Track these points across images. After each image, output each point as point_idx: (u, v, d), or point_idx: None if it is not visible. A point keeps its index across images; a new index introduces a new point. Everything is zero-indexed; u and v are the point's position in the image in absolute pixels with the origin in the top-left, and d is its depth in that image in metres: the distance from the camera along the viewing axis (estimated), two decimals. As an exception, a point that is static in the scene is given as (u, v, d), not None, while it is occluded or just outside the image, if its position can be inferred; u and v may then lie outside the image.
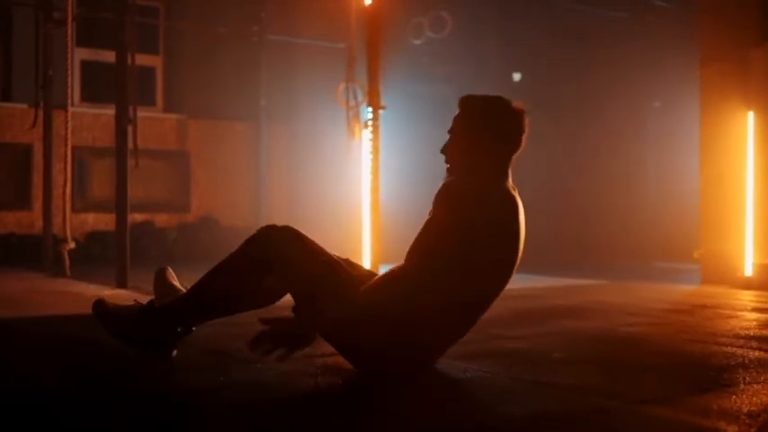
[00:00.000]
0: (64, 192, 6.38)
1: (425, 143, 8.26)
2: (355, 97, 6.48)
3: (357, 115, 6.45)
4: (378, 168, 6.23)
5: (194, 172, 9.61)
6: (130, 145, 5.49)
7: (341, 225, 8.29)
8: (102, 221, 9.08)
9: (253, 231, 7.37)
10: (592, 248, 7.89)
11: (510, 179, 2.32)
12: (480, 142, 2.27)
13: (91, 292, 5.04)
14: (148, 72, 9.54)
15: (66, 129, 6.34)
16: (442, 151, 2.34)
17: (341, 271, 2.35)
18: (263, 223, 8.11)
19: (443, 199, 2.17)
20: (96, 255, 8.52)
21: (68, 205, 6.43)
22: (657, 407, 1.97)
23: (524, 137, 2.30)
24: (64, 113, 7.26)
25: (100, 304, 2.53)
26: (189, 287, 2.69)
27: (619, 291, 5.09)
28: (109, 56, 9.27)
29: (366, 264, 6.36)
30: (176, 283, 2.74)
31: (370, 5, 6.33)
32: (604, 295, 4.77)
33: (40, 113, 7.07)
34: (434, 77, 8.36)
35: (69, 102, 6.40)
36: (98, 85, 9.10)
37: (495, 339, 2.89)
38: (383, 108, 6.28)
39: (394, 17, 7.00)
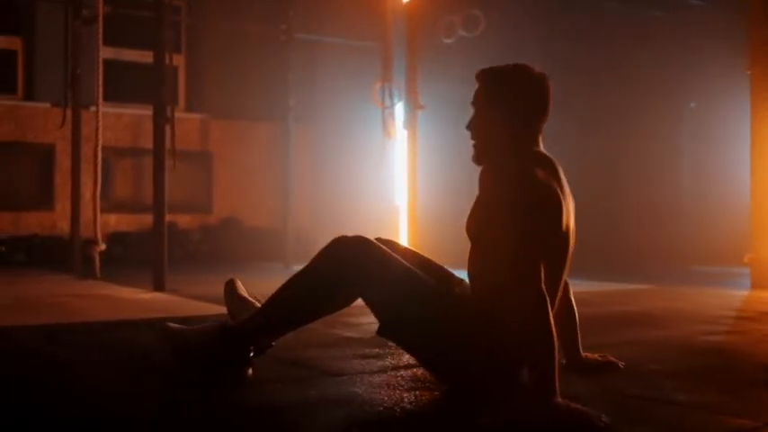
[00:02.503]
0: (94, 193, 6.25)
1: (455, 144, 8.14)
2: (391, 97, 6.35)
3: (392, 115, 6.32)
4: (415, 169, 6.10)
5: (217, 172, 9.50)
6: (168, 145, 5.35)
7: (369, 227, 8.17)
8: (124, 222, 8.97)
9: (277, 233, 7.24)
10: (625, 251, 7.74)
11: (541, 146, 2.21)
12: (506, 115, 2.16)
13: (129, 295, 4.92)
14: (171, 71, 9.40)
15: (97, 128, 6.21)
16: (467, 127, 2.24)
17: (420, 276, 2.23)
18: (291, 224, 7.98)
19: (505, 204, 1.98)
20: (118, 256, 8.41)
21: (98, 206, 6.29)
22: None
23: (550, 102, 2.19)
24: (89, 113, 7.14)
25: (167, 329, 2.38)
26: (262, 301, 2.57)
27: (673, 296, 4.94)
28: (131, 54, 9.22)
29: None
30: (246, 295, 2.61)
31: (408, 3, 6.20)
32: (661, 301, 4.62)
33: (68, 113, 6.94)
34: (460, 78, 8.23)
35: (99, 101, 6.27)
36: (120, 84, 8.97)
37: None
38: (422, 108, 6.16)
39: (426, 16, 6.87)
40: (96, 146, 6.22)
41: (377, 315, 2.24)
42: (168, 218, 9.15)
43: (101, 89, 6.27)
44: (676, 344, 3.07)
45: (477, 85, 2.23)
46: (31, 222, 8.61)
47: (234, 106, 9.44)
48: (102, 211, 8.26)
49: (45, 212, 8.68)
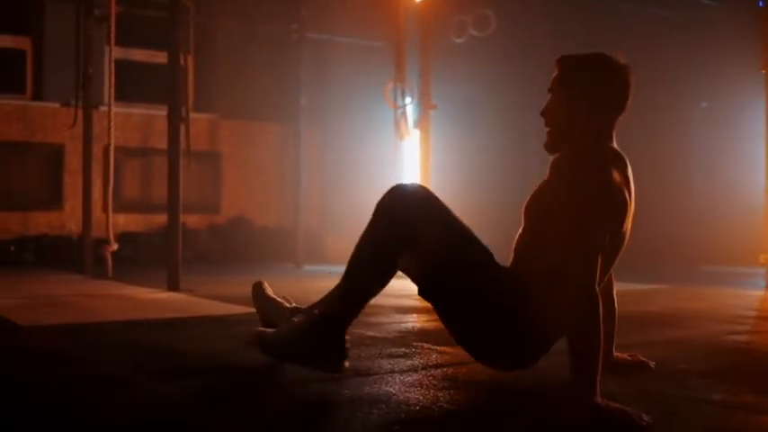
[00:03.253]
0: (106, 192, 6.26)
1: (460, 144, 8.13)
2: (403, 97, 6.33)
3: (405, 115, 6.31)
4: (428, 170, 6.09)
5: (225, 172, 9.50)
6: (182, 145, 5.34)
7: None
8: (132, 222, 8.96)
9: (285, 233, 7.18)
10: (638, 251, 7.72)
11: (614, 142, 2.18)
12: (584, 105, 2.12)
13: (145, 295, 4.91)
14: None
15: (109, 128, 6.21)
16: (542, 114, 2.21)
17: (474, 234, 2.22)
18: (301, 223, 7.95)
19: (579, 202, 1.97)
20: (127, 256, 8.39)
21: (110, 206, 6.30)
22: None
23: (631, 95, 2.13)
24: (99, 113, 7.14)
25: (259, 336, 2.34)
26: (291, 301, 2.56)
27: (689, 296, 4.93)
28: (139, 54, 9.22)
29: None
30: (274, 295, 2.60)
31: (421, 3, 6.19)
32: (679, 301, 4.61)
33: (80, 113, 6.93)
34: (466, 78, 8.22)
35: (111, 101, 6.26)
36: (128, 84, 8.98)
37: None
38: (434, 108, 6.15)
39: (438, 15, 6.87)
40: (108, 146, 6.23)
41: (426, 262, 2.17)
42: (177, 218, 9.21)
43: (113, 89, 6.27)
44: (702, 343, 3.06)
45: (555, 71, 2.19)
46: (40, 222, 8.61)
47: (242, 106, 9.44)
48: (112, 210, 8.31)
49: (54, 212, 8.69)
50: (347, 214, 9.13)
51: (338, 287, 2.25)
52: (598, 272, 1.91)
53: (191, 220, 9.10)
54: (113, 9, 6.19)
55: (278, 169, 9.58)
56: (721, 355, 2.83)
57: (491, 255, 2.24)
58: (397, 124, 6.28)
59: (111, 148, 6.23)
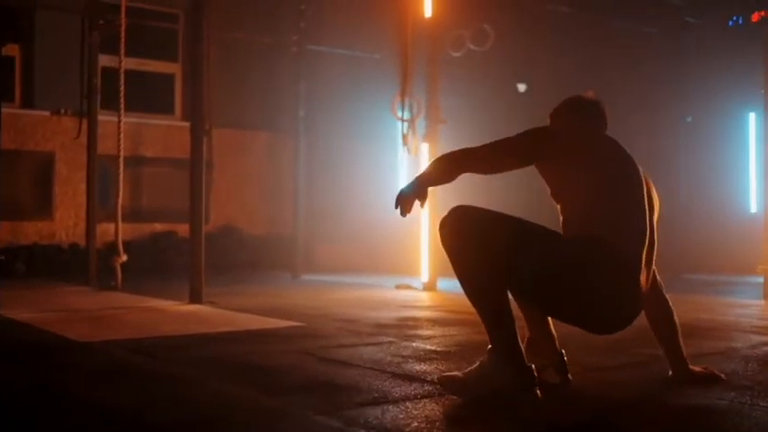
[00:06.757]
0: (116, 203, 6.30)
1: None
2: (411, 111, 6.47)
3: (413, 130, 6.44)
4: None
5: (216, 181, 9.51)
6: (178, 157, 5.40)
7: (385, 236, 8.28)
8: (125, 232, 8.90)
9: (273, 241, 7.46)
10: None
11: None
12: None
13: (173, 308, 4.97)
14: (166, 79, 9.45)
15: (119, 138, 6.24)
16: None
17: (520, 220, 2.39)
18: (300, 232, 7.92)
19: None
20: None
21: (119, 217, 6.33)
22: None
23: (605, 116, 2.73)
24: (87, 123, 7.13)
25: (450, 380, 2.45)
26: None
27: (693, 306, 5.07)
28: (128, 62, 9.16)
29: (424, 277, 6.36)
30: (456, 372, 2.71)
31: (430, 18, 6.35)
32: (689, 312, 4.68)
33: (71, 122, 6.93)
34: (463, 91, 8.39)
35: (122, 112, 6.30)
36: (116, 92, 8.92)
37: (657, 362, 2.87)
38: (444, 122, 6.30)
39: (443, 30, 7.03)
40: (119, 157, 6.26)
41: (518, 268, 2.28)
42: (167, 227, 9.25)
43: (123, 100, 6.31)
44: (747, 355, 3.24)
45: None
46: (30, 231, 8.53)
47: (234, 115, 9.47)
48: (103, 219, 8.26)
49: (44, 221, 8.61)
50: (337, 224, 9.24)
51: (484, 325, 2.35)
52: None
53: (182, 228, 9.09)
54: (124, 21, 6.22)
55: (268, 178, 9.64)
56: (769, 366, 3.02)
57: (545, 228, 2.39)
58: (404, 138, 6.41)
59: (122, 158, 6.26)
